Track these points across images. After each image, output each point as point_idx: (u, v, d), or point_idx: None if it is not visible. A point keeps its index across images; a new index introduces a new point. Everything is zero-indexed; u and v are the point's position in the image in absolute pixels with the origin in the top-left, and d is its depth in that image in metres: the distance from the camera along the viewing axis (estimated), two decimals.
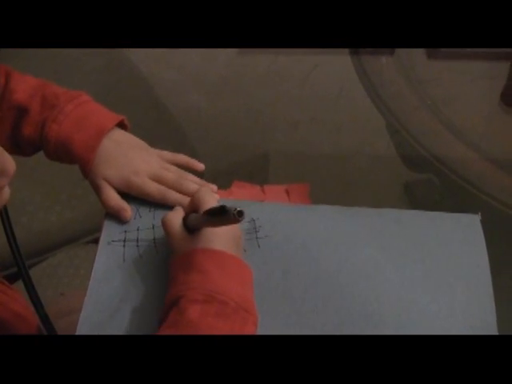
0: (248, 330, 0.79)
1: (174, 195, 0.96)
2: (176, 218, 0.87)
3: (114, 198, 0.95)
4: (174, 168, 0.99)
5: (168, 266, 0.87)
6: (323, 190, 1.16)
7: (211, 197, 0.86)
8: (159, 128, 1.48)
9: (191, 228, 0.85)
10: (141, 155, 0.98)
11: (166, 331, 0.78)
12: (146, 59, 1.71)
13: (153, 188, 0.96)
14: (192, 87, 1.69)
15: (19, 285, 1.07)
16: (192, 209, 0.87)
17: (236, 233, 0.86)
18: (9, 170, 0.72)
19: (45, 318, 0.98)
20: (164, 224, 0.88)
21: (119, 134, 0.98)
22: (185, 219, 0.87)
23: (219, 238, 0.83)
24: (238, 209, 0.75)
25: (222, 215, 0.78)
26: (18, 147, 0.98)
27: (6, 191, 0.74)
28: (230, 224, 0.80)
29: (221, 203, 0.80)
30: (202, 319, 0.76)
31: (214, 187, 0.99)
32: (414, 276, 0.93)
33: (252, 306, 0.81)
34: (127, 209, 0.95)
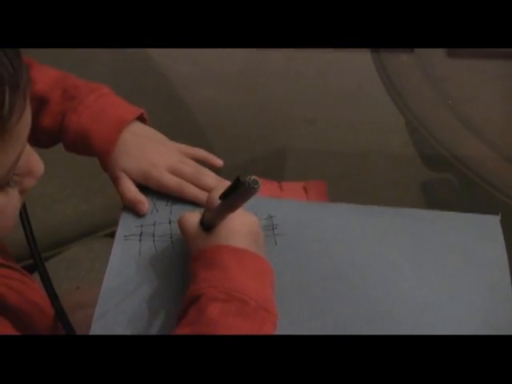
0: (267, 330, 0.79)
1: (191, 189, 0.96)
2: (193, 217, 0.87)
3: (131, 190, 0.95)
4: (192, 162, 0.99)
5: (186, 261, 0.87)
6: (340, 187, 1.16)
7: None
8: (176, 122, 1.48)
9: (208, 225, 0.85)
10: (159, 148, 0.98)
11: (184, 329, 0.78)
12: (162, 53, 1.71)
13: (171, 180, 0.95)
14: (209, 82, 1.69)
15: (35, 277, 1.07)
16: (208, 208, 0.86)
17: (253, 229, 0.85)
18: (37, 171, 0.73)
19: (60, 311, 0.99)
20: (180, 224, 0.87)
21: (138, 127, 0.98)
22: (201, 219, 0.86)
23: (236, 234, 0.83)
24: (253, 177, 0.73)
25: (237, 188, 0.76)
26: (36, 139, 0.98)
27: None
28: (248, 197, 0.77)
29: None
30: (221, 318, 0.76)
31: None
32: (431, 276, 0.92)
33: (272, 306, 0.80)
34: (144, 202, 0.95)
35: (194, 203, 0.96)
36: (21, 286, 0.84)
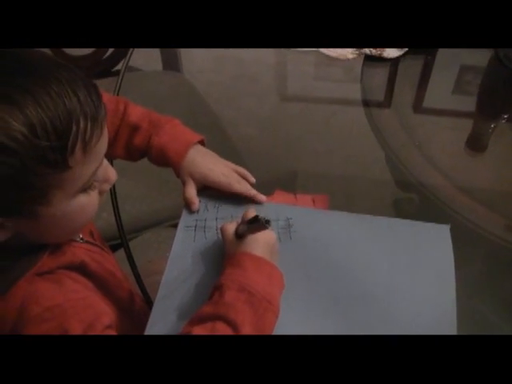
0: (269, 317, 0.76)
1: (237, 186, 0.96)
2: (230, 228, 0.86)
3: (189, 193, 0.95)
4: (235, 174, 0.98)
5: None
6: (338, 200, 1.15)
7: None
8: (224, 149, 1.48)
9: (239, 235, 0.84)
10: (214, 161, 0.98)
11: (209, 306, 0.76)
12: (214, 98, 1.72)
13: (222, 178, 0.95)
14: (247, 123, 1.69)
15: (121, 253, 1.07)
16: (242, 221, 0.86)
17: (270, 241, 0.84)
18: (111, 179, 0.76)
19: (137, 276, 0.98)
20: (221, 231, 0.87)
21: (200, 147, 0.99)
22: (236, 229, 0.85)
23: (258, 244, 0.81)
24: (267, 218, 0.77)
25: (255, 223, 0.79)
26: (128, 154, 0.99)
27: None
28: (262, 230, 0.80)
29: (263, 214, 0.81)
30: (234, 303, 0.75)
31: (264, 197, 0.98)
32: (398, 267, 0.90)
33: (275, 300, 0.78)
34: (195, 203, 0.95)
35: (235, 206, 0.96)
36: (99, 257, 0.84)
